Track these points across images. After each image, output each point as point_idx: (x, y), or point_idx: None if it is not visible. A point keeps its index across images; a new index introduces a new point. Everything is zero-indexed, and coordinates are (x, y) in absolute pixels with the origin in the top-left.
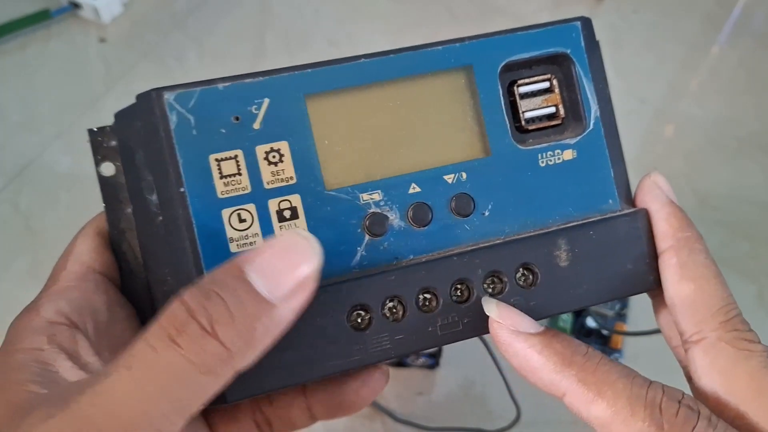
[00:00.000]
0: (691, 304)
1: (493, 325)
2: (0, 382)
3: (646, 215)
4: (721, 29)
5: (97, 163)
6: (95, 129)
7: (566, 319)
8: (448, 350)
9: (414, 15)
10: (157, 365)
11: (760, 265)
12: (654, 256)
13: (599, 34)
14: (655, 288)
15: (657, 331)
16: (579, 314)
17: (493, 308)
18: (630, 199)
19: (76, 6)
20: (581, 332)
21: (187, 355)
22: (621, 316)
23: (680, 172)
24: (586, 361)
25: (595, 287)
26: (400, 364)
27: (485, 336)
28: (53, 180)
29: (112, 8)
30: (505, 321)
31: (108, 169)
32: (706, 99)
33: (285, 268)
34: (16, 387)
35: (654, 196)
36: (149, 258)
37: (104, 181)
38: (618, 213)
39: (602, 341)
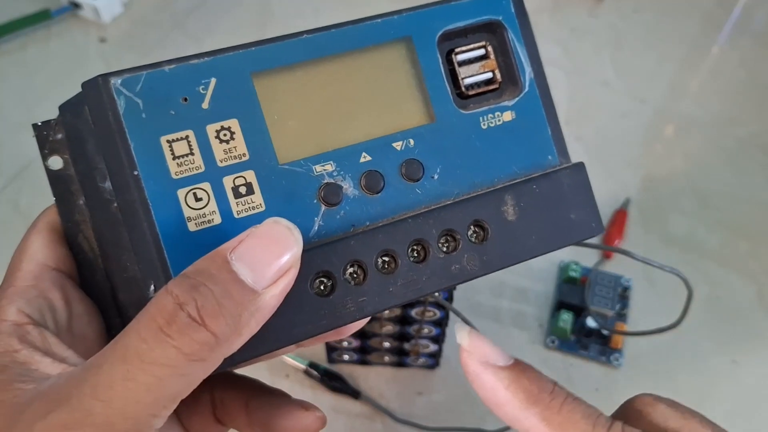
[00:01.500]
0: None
1: (463, 354)
2: None
3: (583, 167)
4: (722, 29)
5: (45, 158)
6: (39, 123)
7: (566, 320)
8: (449, 350)
9: None
10: (150, 356)
11: (760, 264)
12: (595, 204)
13: (600, 34)
14: (598, 233)
15: (657, 331)
16: (579, 314)
17: (465, 337)
18: (566, 154)
19: (76, 6)
20: (581, 332)
21: (178, 346)
22: (621, 316)
23: (680, 172)
24: (551, 400)
25: (543, 237)
26: (401, 364)
27: (486, 337)
28: None
29: (112, 8)
30: (476, 351)
31: (56, 162)
32: (707, 99)
33: (269, 257)
34: (2, 389)
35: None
36: (106, 246)
37: (53, 175)
38: (558, 167)
39: (602, 341)
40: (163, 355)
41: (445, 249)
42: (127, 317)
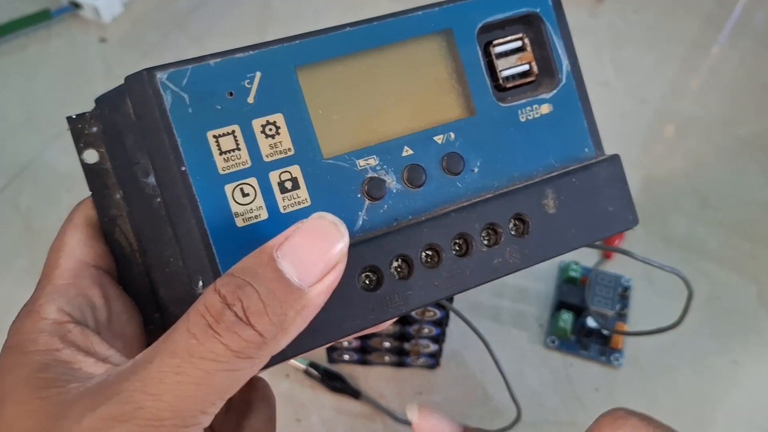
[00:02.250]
0: None
1: (414, 428)
2: (27, 385)
3: (618, 159)
4: (722, 29)
5: (80, 151)
6: (74, 116)
7: (567, 320)
8: (449, 350)
9: None
10: (199, 352)
11: (761, 265)
12: (631, 197)
13: (600, 34)
14: (634, 225)
15: (657, 331)
16: (579, 314)
17: (414, 414)
18: (601, 146)
19: (77, 6)
20: (582, 332)
21: (226, 342)
22: (621, 316)
23: (681, 172)
24: None
25: (582, 230)
26: (401, 364)
27: (485, 336)
28: (53, 180)
29: (113, 8)
30: (424, 425)
31: (91, 156)
32: (707, 99)
33: (314, 254)
34: (46, 387)
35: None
36: (147, 241)
37: (89, 169)
38: (595, 160)
39: (602, 341)
40: (212, 350)
41: (487, 242)
42: (168, 313)
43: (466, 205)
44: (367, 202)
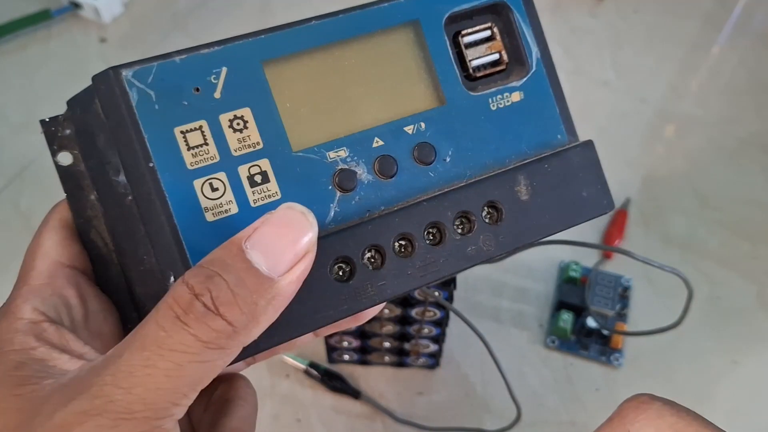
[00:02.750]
0: None
1: None
2: (2, 383)
3: (592, 144)
4: (722, 29)
5: (54, 154)
6: (47, 119)
7: (567, 320)
8: (449, 351)
9: None
10: (169, 344)
11: (761, 265)
12: (605, 181)
13: (600, 34)
14: (610, 209)
15: (657, 331)
16: (579, 314)
17: None
18: (574, 132)
19: (77, 6)
20: (582, 332)
21: (196, 333)
22: (621, 316)
23: (681, 172)
24: None
25: (557, 216)
26: (401, 364)
27: (486, 336)
28: (53, 180)
29: (113, 8)
30: None
31: (66, 158)
32: (707, 99)
33: (283, 244)
34: (21, 384)
35: None
36: (121, 240)
37: (63, 171)
38: (567, 146)
39: (602, 341)
40: (182, 341)
41: (460, 231)
42: (144, 311)
43: (438, 194)
44: (338, 193)
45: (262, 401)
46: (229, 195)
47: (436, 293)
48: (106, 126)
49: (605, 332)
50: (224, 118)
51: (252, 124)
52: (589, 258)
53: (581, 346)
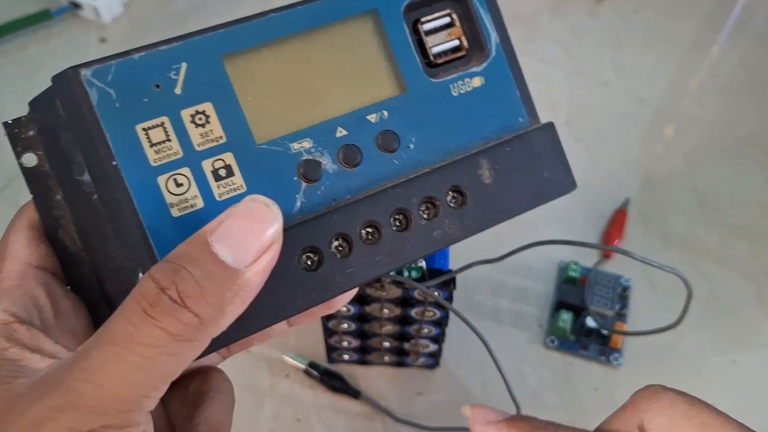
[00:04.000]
0: None
1: (469, 421)
2: None
3: (552, 126)
4: (721, 29)
5: (18, 155)
6: (10, 121)
7: (566, 319)
8: (449, 350)
9: None
10: (137, 338)
11: (760, 264)
12: (567, 162)
13: (600, 34)
14: (572, 189)
15: (657, 331)
16: (579, 314)
17: (468, 408)
18: (535, 115)
19: (77, 6)
20: (581, 332)
21: (164, 327)
22: (621, 316)
23: (680, 172)
24: None
25: (520, 197)
26: (401, 364)
27: (485, 336)
28: None
29: (113, 8)
30: (478, 415)
31: (30, 159)
32: (706, 99)
33: (248, 235)
34: None
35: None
36: (90, 239)
37: (28, 172)
38: (529, 128)
39: (602, 341)
40: (150, 335)
41: (426, 216)
42: (115, 308)
43: (403, 181)
44: (303, 184)
45: (261, 401)
46: (194, 190)
47: (436, 293)
48: (69, 126)
49: (605, 332)
50: (186, 114)
51: (214, 118)
52: (588, 258)
53: (581, 345)
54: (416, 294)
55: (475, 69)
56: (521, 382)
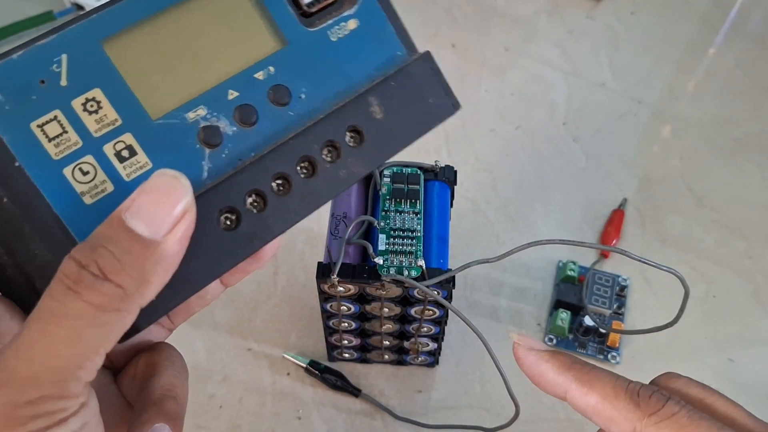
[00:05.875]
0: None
1: (514, 346)
2: None
3: (429, 55)
4: (718, 31)
5: None
6: None
7: (564, 318)
8: (448, 349)
9: (413, 17)
10: (63, 312)
11: (757, 264)
12: (447, 85)
13: (597, 36)
14: (457, 109)
15: (654, 330)
16: (577, 313)
17: (515, 335)
18: (412, 46)
19: (80, 8)
20: (579, 331)
21: (88, 299)
22: (618, 315)
23: (677, 172)
24: (582, 366)
25: (412, 125)
26: (401, 362)
27: (484, 335)
28: None
29: None
30: (523, 342)
31: None
32: (703, 100)
33: (161, 208)
34: None
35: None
36: (10, 242)
37: None
38: (409, 61)
39: (600, 339)
40: (75, 308)
41: (330, 159)
42: None
43: (302, 130)
44: (207, 150)
45: (263, 399)
46: (102, 175)
47: (435, 292)
48: None
49: (602, 331)
50: (77, 103)
51: (106, 103)
52: (586, 257)
53: (579, 344)
54: (416, 293)
55: (348, 12)
56: (520, 380)
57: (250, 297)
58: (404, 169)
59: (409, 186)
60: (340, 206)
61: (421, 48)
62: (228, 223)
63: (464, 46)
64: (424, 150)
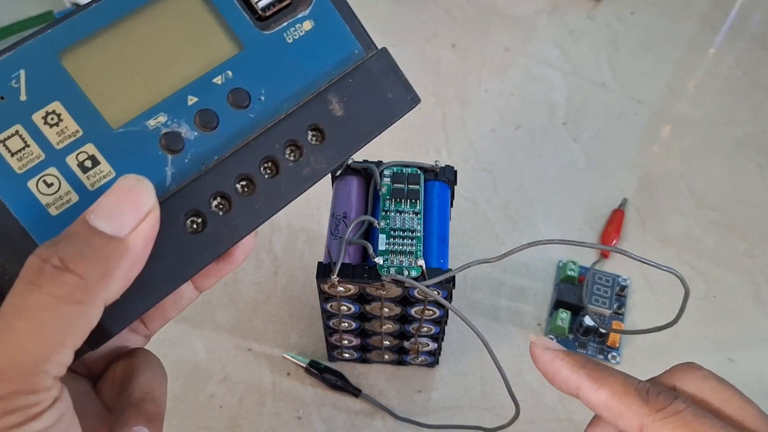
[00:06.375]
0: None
1: (531, 344)
2: None
3: (386, 51)
4: (718, 31)
5: None
6: None
7: (564, 318)
8: (448, 349)
9: (414, 17)
10: (25, 305)
11: (757, 264)
12: (406, 80)
13: (597, 36)
14: (416, 103)
15: (654, 330)
16: (577, 313)
17: (533, 337)
18: (368, 43)
19: (79, 8)
20: (579, 331)
21: (49, 291)
22: (618, 315)
23: (677, 172)
24: (594, 365)
25: (372, 121)
26: (401, 362)
27: (485, 335)
28: None
29: None
30: (540, 342)
31: None
32: (703, 100)
33: (124, 208)
34: None
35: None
36: None
37: None
38: (365, 57)
39: (600, 339)
40: (36, 300)
41: (292, 158)
42: None
43: (263, 130)
44: (169, 156)
45: (263, 399)
46: (66, 186)
47: (436, 292)
48: None
49: (603, 331)
50: (37, 117)
51: (66, 115)
52: (586, 257)
53: (579, 344)
54: (416, 293)
55: (303, 14)
56: (520, 380)
57: (251, 297)
58: (404, 169)
59: (409, 186)
60: (340, 206)
61: (421, 48)
62: (194, 226)
63: (464, 46)
64: (424, 150)
